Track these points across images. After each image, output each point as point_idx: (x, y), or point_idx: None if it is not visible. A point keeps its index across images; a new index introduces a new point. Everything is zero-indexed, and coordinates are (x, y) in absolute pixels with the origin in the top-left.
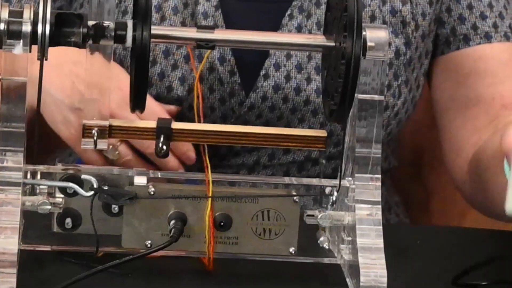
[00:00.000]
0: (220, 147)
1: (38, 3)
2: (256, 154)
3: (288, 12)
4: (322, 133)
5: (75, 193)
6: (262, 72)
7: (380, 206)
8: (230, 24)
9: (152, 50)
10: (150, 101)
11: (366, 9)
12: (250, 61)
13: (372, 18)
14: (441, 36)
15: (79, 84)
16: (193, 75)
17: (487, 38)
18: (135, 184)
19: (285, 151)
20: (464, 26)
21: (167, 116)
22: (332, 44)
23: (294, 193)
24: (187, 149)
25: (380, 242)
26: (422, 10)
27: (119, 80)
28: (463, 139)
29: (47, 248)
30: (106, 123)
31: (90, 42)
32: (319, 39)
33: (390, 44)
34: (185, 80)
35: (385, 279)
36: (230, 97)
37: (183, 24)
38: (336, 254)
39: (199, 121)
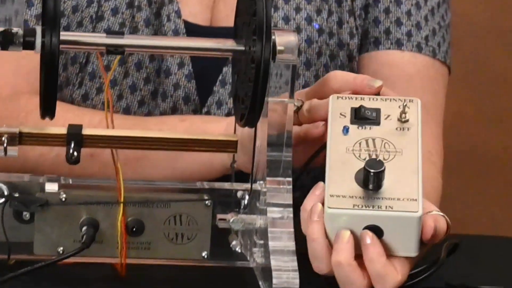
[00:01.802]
0: None
1: None
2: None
3: None
4: (233, 137)
5: None
6: (220, 78)
7: (291, 209)
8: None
9: (125, 62)
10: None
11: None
12: (206, 65)
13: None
14: (356, 38)
15: None
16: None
17: (398, 45)
18: (46, 190)
19: None
20: (377, 29)
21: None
22: (242, 48)
23: (206, 197)
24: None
25: (292, 245)
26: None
27: None
28: None
29: None
30: (16, 130)
31: None
32: (228, 43)
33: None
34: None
35: (297, 281)
36: (185, 103)
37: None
38: (248, 258)
39: (111, 127)
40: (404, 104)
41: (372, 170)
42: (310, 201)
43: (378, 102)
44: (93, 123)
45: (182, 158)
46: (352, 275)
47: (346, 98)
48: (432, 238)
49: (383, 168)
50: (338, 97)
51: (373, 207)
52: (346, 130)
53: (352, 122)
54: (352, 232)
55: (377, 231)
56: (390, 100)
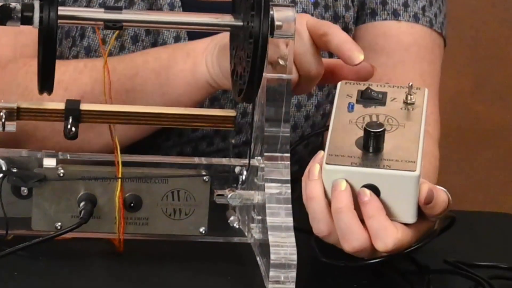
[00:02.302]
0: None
1: None
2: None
3: None
4: (231, 112)
5: None
6: None
7: (289, 185)
8: None
9: (121, 36)
10: None
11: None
12: None
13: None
14: (351, 11)
15: None
16: None
17: (395, 15)
18: (44, 166)
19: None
20: (374, 0)
21: None
22: (240, 23)
23: (204, 173)
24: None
25: (289, 221)
26: None
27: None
28: None
29: None
30: (14, 105)
31: None
32: (226, 18)
33: None
34: None
35: (295, 257)
36: None
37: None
38: (246, 233)
39: (108, 102)
40: (411, 90)
41: (372, 130)
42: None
43: (385, 87)
44: (79, 68)
45: (168, 83)
46: (353, 223)
47: (354, 83)
48: (431, 208)
49: (382, 129)
50: (346, 83)
51: (371, 165)
52: (351, 107)
53: (357, 102)
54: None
55: (374, 191)
56: (398, 87)
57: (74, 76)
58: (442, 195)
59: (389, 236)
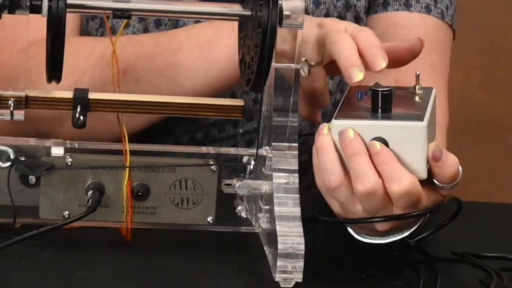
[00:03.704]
0: None
1: None
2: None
3: None
4: (239, 102)
5: None
6: None
7: (297, 175)
8: None
9: (144, 19)
10: None
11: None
12: None
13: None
14: (362, 0)
15: None
16: None
17: (407, 6)
18: (52, 154)
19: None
20: None
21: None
22: (248, 13)
23: (212, 162)
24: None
25: (297, 211)
26: None
27: None
28: None
29: None
30: (22, 93)
31: (6, 12)
32: (235, 8)
33: None
34: None
35: (302, 247)
36: None
37: None
38: (254, 223)
39: (117, 91)
40: (418, 82)
41: (379, 89)
42: None
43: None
44: (122, 43)
45: (211, 58)
46: (368, 165)
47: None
48: (441, 167)
49: (390, 89)
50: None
51: (379, 119)
52: (360, 95)
53: (366, 93)
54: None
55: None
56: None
57: (118, 51)
58: (452, 157)
59: (404, 177)
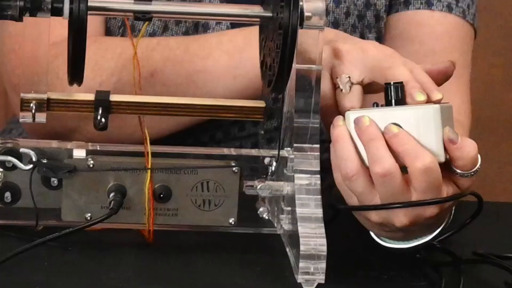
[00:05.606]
0: None
1: None
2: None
3: None
4: (261, 103)
5: (14, 167)
6: None
7: (319, 176)
8: None
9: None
10: None
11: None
12: None
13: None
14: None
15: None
16: None
17: (428, 4)
18: (74, 157)
19: None
20: None
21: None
22: (269, 14)
23: (233, 164)
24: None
25: (319, 212)
26: None
27: None
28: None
29: None
30: (44, 96)
31: (27, 15)
32: (256, 9)
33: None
34: None
35: (324, 248)
36: None
37: None
38: (275, 224)
39: (138, 93)
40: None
41: (391, 81)
42: None
43: None
44: (151, 45)
45: (240, 66)
46: (385, 149)
47: None
48: (459, 150)
49: (401, 81)
50: None
51: (393, 108)
52: (375, 105)
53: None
54: None
55: None
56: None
57: (147, 54)
58: (470, 140)
59: (425, 153)
